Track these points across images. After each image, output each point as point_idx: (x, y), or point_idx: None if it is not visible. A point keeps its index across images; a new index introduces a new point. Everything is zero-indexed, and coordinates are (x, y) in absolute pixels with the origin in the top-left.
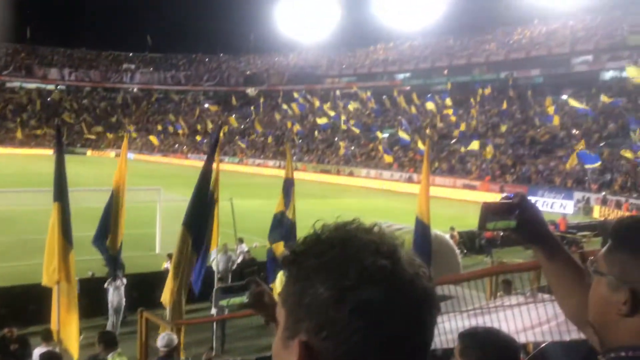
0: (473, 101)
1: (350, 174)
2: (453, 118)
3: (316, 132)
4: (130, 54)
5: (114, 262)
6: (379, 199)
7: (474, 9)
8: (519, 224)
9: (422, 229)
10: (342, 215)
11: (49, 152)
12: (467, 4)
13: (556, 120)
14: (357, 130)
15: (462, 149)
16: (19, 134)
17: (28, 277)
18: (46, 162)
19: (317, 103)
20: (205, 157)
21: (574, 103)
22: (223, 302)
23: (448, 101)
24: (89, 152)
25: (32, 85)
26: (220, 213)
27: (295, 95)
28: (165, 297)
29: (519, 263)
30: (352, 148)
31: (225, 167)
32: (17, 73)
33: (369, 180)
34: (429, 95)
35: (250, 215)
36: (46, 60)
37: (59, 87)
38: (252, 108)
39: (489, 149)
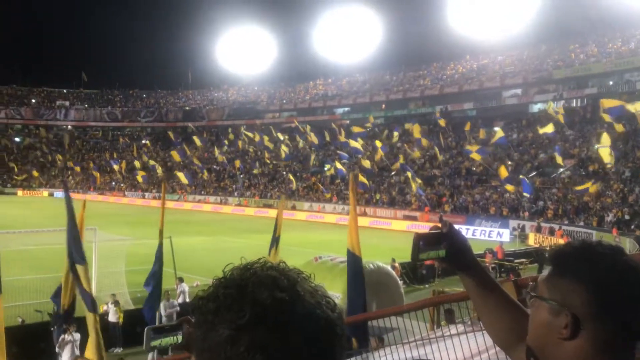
0: (410, 134)
1: (293, 208)
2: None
3: (257, 167)
4: (65, 91)
5: (67, 317)
6: (322, 232)
7: (408, 44)
8: (448, 253)
9: (354, 261)
10: (284, 251)
11: None
12: (402, 40)
13: (476, 157)
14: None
15: (403, 182)
16: None
17: None
18: None
19: (257, 138)
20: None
21: (500, 134)
22: (155, 343)
23: (383, 136)
24: (19, 192)
25: None
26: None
27: (240, 129)
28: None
29: (461, 292)
30: (295, 182)
31: (166, 203)
32: None
33: (311, 214)
34: (367, 128)
35: (191, 253)
36: None
37: None
38: (190, 144)
39: (418, 180)
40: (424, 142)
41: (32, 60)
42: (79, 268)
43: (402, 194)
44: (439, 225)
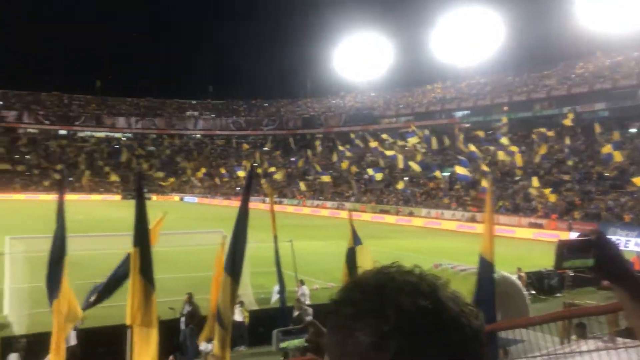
0: (535, 137)
1: (411, 214)
2: (516, 155)
3: (372, 172)
4: (194, 102)
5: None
6: (440, 239)
7: (531, 43)
8: (597, 263)
9: (485, 268)
10: (400, 257)
11: (117, 197)
12: (524, 39)
13: (618, 157)
14: (417, 168)
15: (530, 188)
16: (87, 181)
17: (95, 320)
18: (114, 207)
19: (374, 143)
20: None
21: None
22: (284, 345)
23: (506, 139)
24: (154, 197)
25: (101, 134)
26: (281, 254)
27: (352, 136)
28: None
29: (595, 306)
30: (412, 188)
31: (286, 208)
32: (88, 123)
33: (429, 220)
34: (489, 132)
35: (310, 256)
36: (114, 110)
37: (126, 135)
38: (310, 150)
39: (547, 190)
40: (551, 145)
41: (166, 73)
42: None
43: (527, 200)
44: (589, 233)
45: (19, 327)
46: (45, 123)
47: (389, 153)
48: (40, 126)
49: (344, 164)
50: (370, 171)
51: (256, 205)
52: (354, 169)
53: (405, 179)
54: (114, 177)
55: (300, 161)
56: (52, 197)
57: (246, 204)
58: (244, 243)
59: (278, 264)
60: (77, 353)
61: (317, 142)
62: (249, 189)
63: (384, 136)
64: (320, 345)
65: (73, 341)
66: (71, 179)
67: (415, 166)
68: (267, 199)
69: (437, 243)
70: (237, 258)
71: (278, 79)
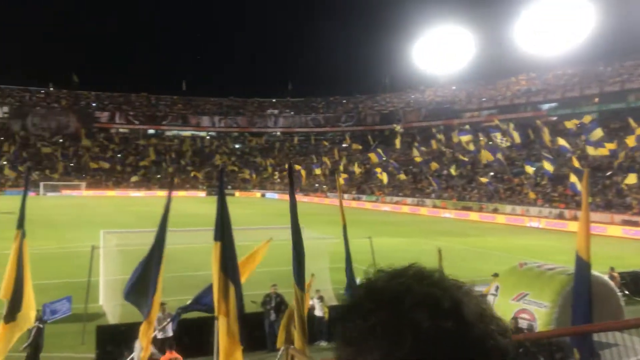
0: (629, 129)
1: (495, 211)
2: (607, 149)
3: (454, 168)
4: (274, 100)
5: None
6: (526, 237)
7: (624, 30)
8: None
9: (582, 267)
10: (484, 255)
11: (202, 194)
12: (616, 26)
13: None
14: (503, 160)
15: (622, 183)
16: (175, 178)
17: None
18: (199, 204)
19: (455, 138)
20: (344, 196)
21: None
22: None
23: (599, 131)
24: (237, 193)
25: (187, 132)
26: (360, 250)
27: (433, 130)
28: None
29: None
30: (495, 184)
31: (364, 205)
32: (175, 122)
33: (514, 217)
34: (578, 125)
35: (389, 253)
36: (199, 110)
37: (210, 133)
38: (389, 146)
39: None
40: None
41: (246, 73)
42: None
43: (621, 196)
44: None
45: (112, 317)
46: (135, 123)
47: (471, 148)
48: (130, 126)
49: (418, 159)
50: (452, 169)
51: (334, 201)
52: (435, 165)
53: (490, 174)
54: (198, 174)
55: (377, 157)
56: (141, 194)
57: (293, 198)
58: (299, 244)
59: (348, 254)
60: (172, 343)
61: (396, 138)
62: (293, 186)
63: (466, 130)
64: None
65: (170, 332)
66: (159, 176)
67: (498, 161)
68: (345, 195)
69: (522, 241)
70: (300, 260)
71: (356, 75)
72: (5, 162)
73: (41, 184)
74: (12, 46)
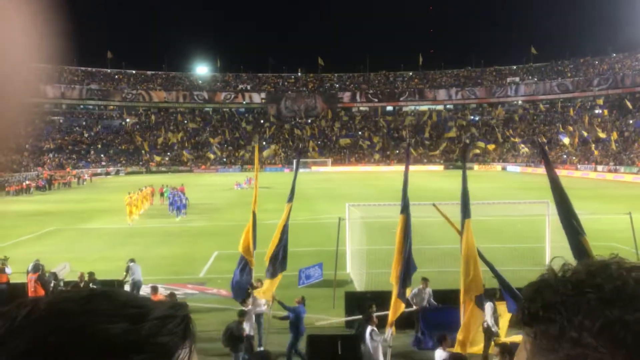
0: None
1: None
2: None
3: None
4: (514, 67)
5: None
6: None
7: None
8: None
9: None
10: None
11: (440, 168)
12: None
13: None
14: None
15: None
16: (414, 152)
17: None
18: (437, 177)
19: None
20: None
21: None
22: None
23: None
24: (476, 167)
25: (424, 107)
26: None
27: None
28: None
29: None
30: None
31: (623, 177)
32: (412, 97)
33: None
34: None
35: None
36: (435, 83)
37: (447, 106)
38: None
39: None
40: None
41: (483, 42)
42: None
43: None
44: None
45: (358, 285)
46: (374, 101)
47: None
48: (370, 104)
49: None
50: None
51: (585, 173)
52: None
53: None
54: (435, 150)
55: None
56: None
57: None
58: (571, 213)
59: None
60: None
61: None
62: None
63: None
64: None
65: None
66: (397, 151)
67: None
68: (600, 167)
69: None
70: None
71: (610, 31)
72: (264, 143)
73: (294, 160)
74: (267, 36)
